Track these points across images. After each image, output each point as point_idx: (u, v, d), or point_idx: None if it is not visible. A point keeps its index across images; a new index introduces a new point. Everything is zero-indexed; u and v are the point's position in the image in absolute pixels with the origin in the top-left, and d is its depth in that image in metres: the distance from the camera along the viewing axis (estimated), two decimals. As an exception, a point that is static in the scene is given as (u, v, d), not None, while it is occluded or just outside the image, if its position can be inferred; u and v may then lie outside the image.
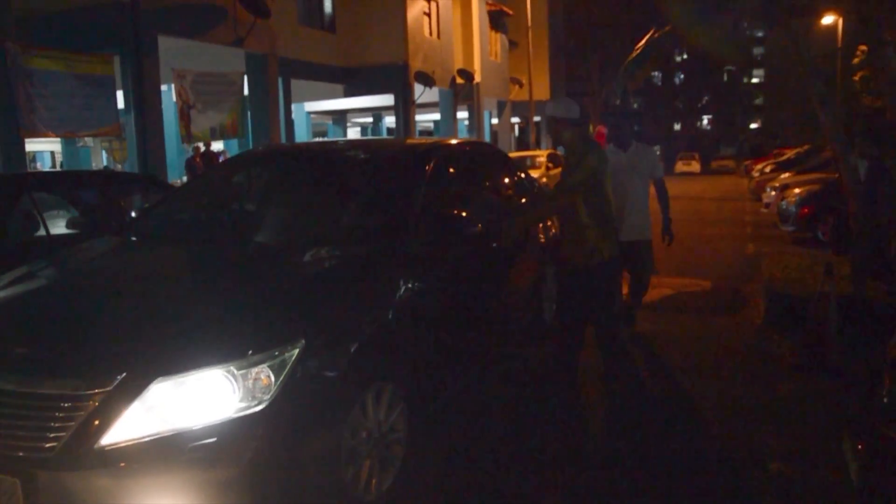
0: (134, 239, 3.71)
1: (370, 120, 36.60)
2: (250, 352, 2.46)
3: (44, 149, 30.85)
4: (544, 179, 19.63)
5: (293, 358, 2.52)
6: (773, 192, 14.20)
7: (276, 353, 2.50)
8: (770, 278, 7.16)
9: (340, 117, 32.00)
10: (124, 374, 2.36)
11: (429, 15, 22.64)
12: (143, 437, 2.31)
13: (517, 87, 30.76)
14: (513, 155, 22.33)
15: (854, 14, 10.88)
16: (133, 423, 2.32)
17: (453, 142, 5.24)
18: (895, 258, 6.22)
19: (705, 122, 68.60)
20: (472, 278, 4.03)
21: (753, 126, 63.97)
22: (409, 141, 4.95)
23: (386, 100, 23.06)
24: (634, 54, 7.15)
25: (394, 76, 21.09)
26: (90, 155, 20.02)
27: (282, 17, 16.43)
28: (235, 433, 2.37)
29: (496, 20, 28.42)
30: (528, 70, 27.26)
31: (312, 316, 2.74)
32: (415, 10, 21.30)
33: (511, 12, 28.75)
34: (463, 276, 3.91)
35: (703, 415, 4.31)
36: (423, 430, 3.68)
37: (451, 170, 4.59)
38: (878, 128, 6.94)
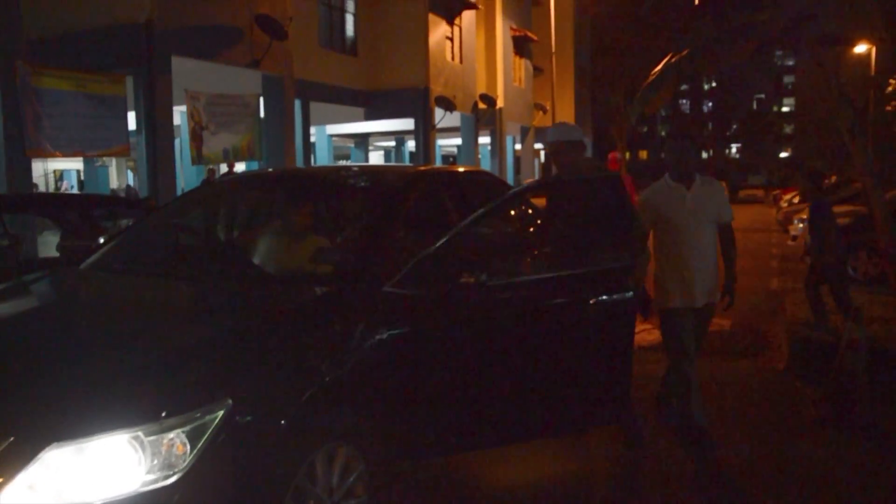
0: (82, 272, 3.40)
1: (393, 144, 36.61)
2: (164, 414, 2.11)
3: (71, 167, 31.19)
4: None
5: (216, 421, 2.16)
6: (801, 224, 13.63)
7: (198, 416, 2.14)
8: (793, 320, 6.67)
9: (363, 141, 31.93)
10: (11, 439, 2.02)
11: (451, 39, 22.51)
12: (30, 515, 1.97)
13: (541, 112, 30.49)
14: (530, 182, 21.96)
15: (889, 43, 10.44)
16: (18, 498, 1.98)
17: (455, 170, 4.89)
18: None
19: (734, 150, 67.75)
20: (473, 329, 3.28)
21: (783, 155, 62.97)
22: (399, 168, 4.56)
23: (407, 124, 22.89)
24: (651, 79, 6.79)
25: (414, 100, 20.93)
26: (108, 174, 20.06)
27: (301, 39, 16.33)
28: None
29: (520, 45, 28.25)
30: (551, 96, 26.98)
31: (246, 371, 2.38)
32: (437, 35, 21.17)
33: (536, 38, 28.56)
34: (461, 326, 3.22)
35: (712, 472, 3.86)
36: (396, 496, 3.30)
37: (444, 201, 4.22)
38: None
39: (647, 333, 6.68)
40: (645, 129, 59.13)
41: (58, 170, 32.00)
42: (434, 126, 21.40)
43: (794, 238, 14.16)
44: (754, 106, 65.88)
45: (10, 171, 9.65)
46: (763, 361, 6.09)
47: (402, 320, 3.00)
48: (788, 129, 60.58)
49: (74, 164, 28.77)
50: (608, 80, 33.25)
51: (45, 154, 10.16)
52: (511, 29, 26.91)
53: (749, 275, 10.88)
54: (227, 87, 13.92)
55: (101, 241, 3.93)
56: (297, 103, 17.50)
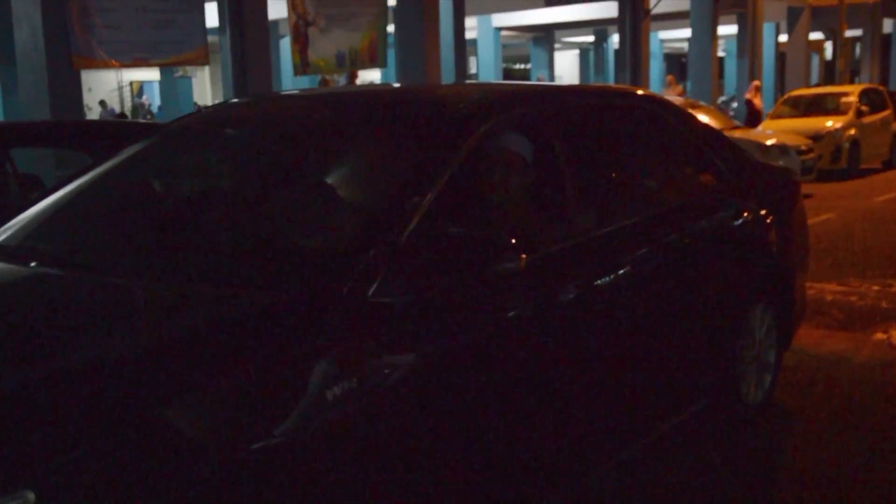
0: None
1: (590, 39, 36.00)
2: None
3: (154, 79, 33.43)
4: (852, 131, 17.31)
5: None
6: None
7: None
8: None
9: (545, 36, 31.76)
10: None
11: None
12: None
13: (820, -15, 28.52)
14: (800, 93, 20.52)
15: None
16: None
17: (575, 91, 4.51)
18: None
19: None
20: (530, 339, 3.16)
21: None
22: (475, 89, 4.15)
23: (609, 9, 22.41)
24: None
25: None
26: (191, 87, 21.15)
27: None
28: None
29: None
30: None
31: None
32: None
33: None
34: (511, 334, 3.08)
35: None
36: None
37: (548, 145, 3.74)
38: None
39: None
40: None
41: (136, 81, 34.48)
42: (649, 12, 20.76)
43: None
44: None
45: (53, 87, 10.20)
46: None
47: (411, 340, 2.71)
48: None
49: (156, 75, 30.77)
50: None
51: (96, 63, 10.78)
52: None
53: None
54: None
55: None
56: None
